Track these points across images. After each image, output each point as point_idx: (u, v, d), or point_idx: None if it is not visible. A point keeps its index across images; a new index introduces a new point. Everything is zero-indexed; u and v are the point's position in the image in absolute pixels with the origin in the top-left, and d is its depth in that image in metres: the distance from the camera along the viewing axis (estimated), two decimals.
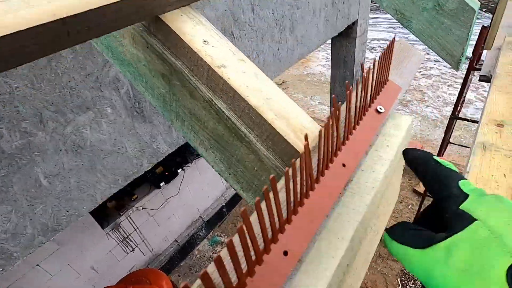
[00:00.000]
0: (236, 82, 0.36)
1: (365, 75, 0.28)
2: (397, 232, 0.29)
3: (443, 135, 3.58)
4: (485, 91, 6.50)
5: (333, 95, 0.30)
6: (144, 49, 0.43)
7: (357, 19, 2.20)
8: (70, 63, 0.78)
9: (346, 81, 0.26)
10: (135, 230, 3.40)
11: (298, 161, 0.28)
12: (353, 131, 0.30)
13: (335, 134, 0.29)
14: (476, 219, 0.24)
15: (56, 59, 0.76)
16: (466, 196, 0.26)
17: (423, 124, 6.08)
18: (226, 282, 0.18)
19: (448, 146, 4.15)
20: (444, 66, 7.77)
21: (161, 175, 3.45)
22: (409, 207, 4.33)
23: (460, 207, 0.25)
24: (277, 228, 0.23)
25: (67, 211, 0.92)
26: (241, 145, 0.41)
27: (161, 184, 3.39)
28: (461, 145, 4.12)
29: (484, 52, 2.09)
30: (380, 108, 0.32)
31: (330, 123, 0.25)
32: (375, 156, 0.35)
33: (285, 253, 0.22)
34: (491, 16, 1.98)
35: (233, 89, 0.35)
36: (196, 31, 0.38)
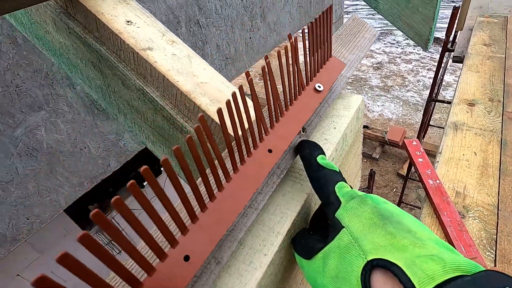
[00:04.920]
0: (164, 66, 0.32)
1: (293, 42, 0.25)
2: (296, 242, 0.30)
3: None
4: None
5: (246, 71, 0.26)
6: (68, 35, 0.38)
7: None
8: (13, 59, 0.72)
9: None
10: (121, 231, 3.33)
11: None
12: (285, 112, 0.27)
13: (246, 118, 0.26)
14: (343, 227, 0.24)
15: None
16: (340, 202, 0.26)
17: (404, 108, 6.18)
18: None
19: (429, 129, 4.23)
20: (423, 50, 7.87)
21: None
22: (394, 190, 4.41)
23: (335, 215, 0.26)
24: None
25: (27, 219, 0.86)
26: (183, 137, 0.37)
27: (144, 184, 3.33)
28: (440, 127, 4.21)
29: (458, 33, 2.11)
30: (319, 86, 0.29)
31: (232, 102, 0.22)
32: (321, 139, 0.33)
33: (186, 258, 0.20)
34: None
35: (161, 74, 0.31)
36: (117, 11, 0.33)
